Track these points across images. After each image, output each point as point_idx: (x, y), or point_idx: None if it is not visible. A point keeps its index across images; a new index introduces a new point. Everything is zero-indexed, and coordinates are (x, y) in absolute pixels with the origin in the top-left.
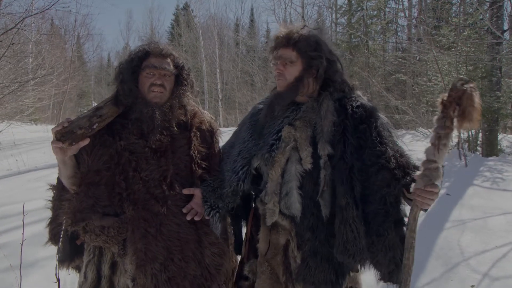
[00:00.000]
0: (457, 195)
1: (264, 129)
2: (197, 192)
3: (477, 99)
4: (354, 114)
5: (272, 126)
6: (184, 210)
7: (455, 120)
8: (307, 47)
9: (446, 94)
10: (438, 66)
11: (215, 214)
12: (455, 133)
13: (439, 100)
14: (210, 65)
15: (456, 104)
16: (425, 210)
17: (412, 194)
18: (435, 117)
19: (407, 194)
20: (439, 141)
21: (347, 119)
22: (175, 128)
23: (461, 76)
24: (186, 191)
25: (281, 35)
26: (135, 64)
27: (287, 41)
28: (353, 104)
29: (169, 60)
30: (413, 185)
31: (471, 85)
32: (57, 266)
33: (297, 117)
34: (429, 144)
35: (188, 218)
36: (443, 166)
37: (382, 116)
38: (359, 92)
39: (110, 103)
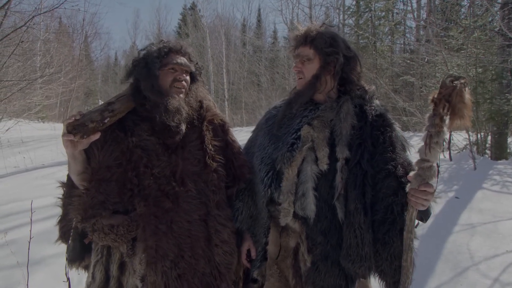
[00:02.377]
0: (466, 198)
1: (282, 129)
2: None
3: (467, 96)
4: (374, 122)
5: (291, 125)
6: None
7: (446, 117)
8: (322, 44)
9: (437, 92)
10: (447, 68)
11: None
12: (464, 135)
13: (430, 97)
14: (217, 65)
15: (446, 101)
16: (426, 218)
17: (407, 195)
18: (427, 115)
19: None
20: (430, 140)
21: (366, 125)
22: (193, 122)
23: (451, 73)
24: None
25: (300, 34)
26: (160, 61)
27: (305, 39)
28: (373, 112)
29: (187, 57)
30: (408, 185)
31: (462, 81)
32: (67, 265)
33: (315, 116)
34: (422, 143)
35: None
36: (438, 166)
37: (399, 130)
38: (378, 102)
39: (123, 99)
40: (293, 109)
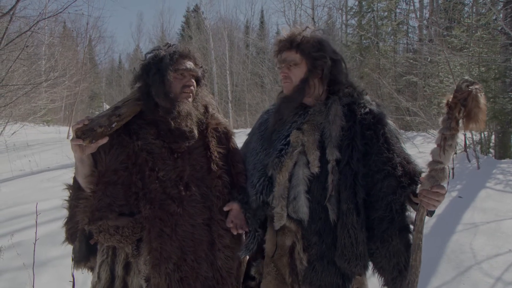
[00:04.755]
0: (469, 197)
1: (273, 135)
2: (235, 206)
3: (482, 100)
4: (363, 121)
5: (281, 131)
6: (230, 225)
7: (460, 121)
8: (310, 48)
9: (451, 95)
10: (450, 68)
11: (254, 238)
12: (467, 134)
13: (444, 101)
14: (220, 67)
15: (461, 106)
16: (431, 214)
17: (419, 195)
18: (441, 118)
19: (413, 199)
20: (444, 142)
21: (355, 124)
22: (198, 128)
23: (466, 77)
24: (226, 208)
25: (284, 38)
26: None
27: (290, 43)
28: (362, 110)
29: (193, 61)
30: (419, 186)
31: (477, 86)
32: (73, 266)
33: (305, 121)
34: (435, 145)
35: (234, 232)
36: (453, 168)
37: (391, 123)
38: (368, 98)
39: (129, 103)
40: (284, 115)
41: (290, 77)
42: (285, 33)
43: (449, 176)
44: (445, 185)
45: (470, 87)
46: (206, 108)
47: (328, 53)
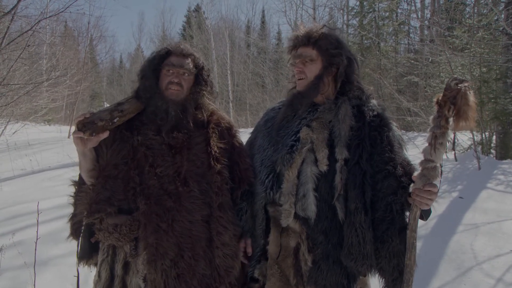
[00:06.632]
0: (470, 198)
1: (281, 131)
2: (241, 243)
3: (472, 98)
4: (372, 122)
5: (290, 127)
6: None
7: (450, 119)
8: (328, 45)
9: (441, 94)
10: (451, 68)
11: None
12: (468, 135)
13: (434, 100)
14: (221, 66)
15: (451, 104)
16: (427, 217)
17: (411, 194)
18: (431, 117)
19: (408, 199)
20: (435, 141)
21: (364, 126)
22: (191, 125)
23: (455, 75)
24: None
25: (301, 34)
26: (157, 62)
27: (308, 39)
28: (371, 113)
29: (189, 60)
30: (411, 185)
31: (466, 84)
32: (77, 262)
33: (314, 118)
34: (427, 144)
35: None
36: (441, 166)
37: (396, 129)
38: (375, 102)
39: (132, 100)
40: (299, 110)
41: (305, 73)
42: (302, 29)
43: (441, 175)
44: (437, 184)
45: (459, 85)
46: (200, 106)
47: (345, 51)
